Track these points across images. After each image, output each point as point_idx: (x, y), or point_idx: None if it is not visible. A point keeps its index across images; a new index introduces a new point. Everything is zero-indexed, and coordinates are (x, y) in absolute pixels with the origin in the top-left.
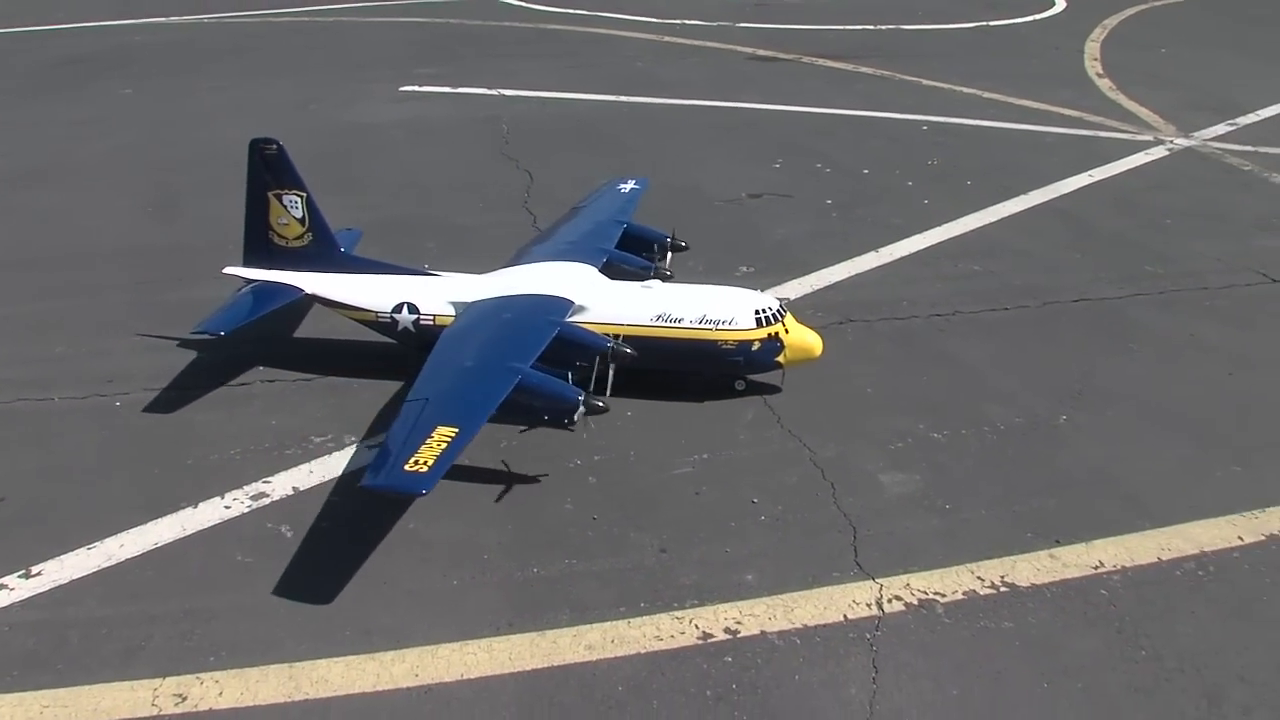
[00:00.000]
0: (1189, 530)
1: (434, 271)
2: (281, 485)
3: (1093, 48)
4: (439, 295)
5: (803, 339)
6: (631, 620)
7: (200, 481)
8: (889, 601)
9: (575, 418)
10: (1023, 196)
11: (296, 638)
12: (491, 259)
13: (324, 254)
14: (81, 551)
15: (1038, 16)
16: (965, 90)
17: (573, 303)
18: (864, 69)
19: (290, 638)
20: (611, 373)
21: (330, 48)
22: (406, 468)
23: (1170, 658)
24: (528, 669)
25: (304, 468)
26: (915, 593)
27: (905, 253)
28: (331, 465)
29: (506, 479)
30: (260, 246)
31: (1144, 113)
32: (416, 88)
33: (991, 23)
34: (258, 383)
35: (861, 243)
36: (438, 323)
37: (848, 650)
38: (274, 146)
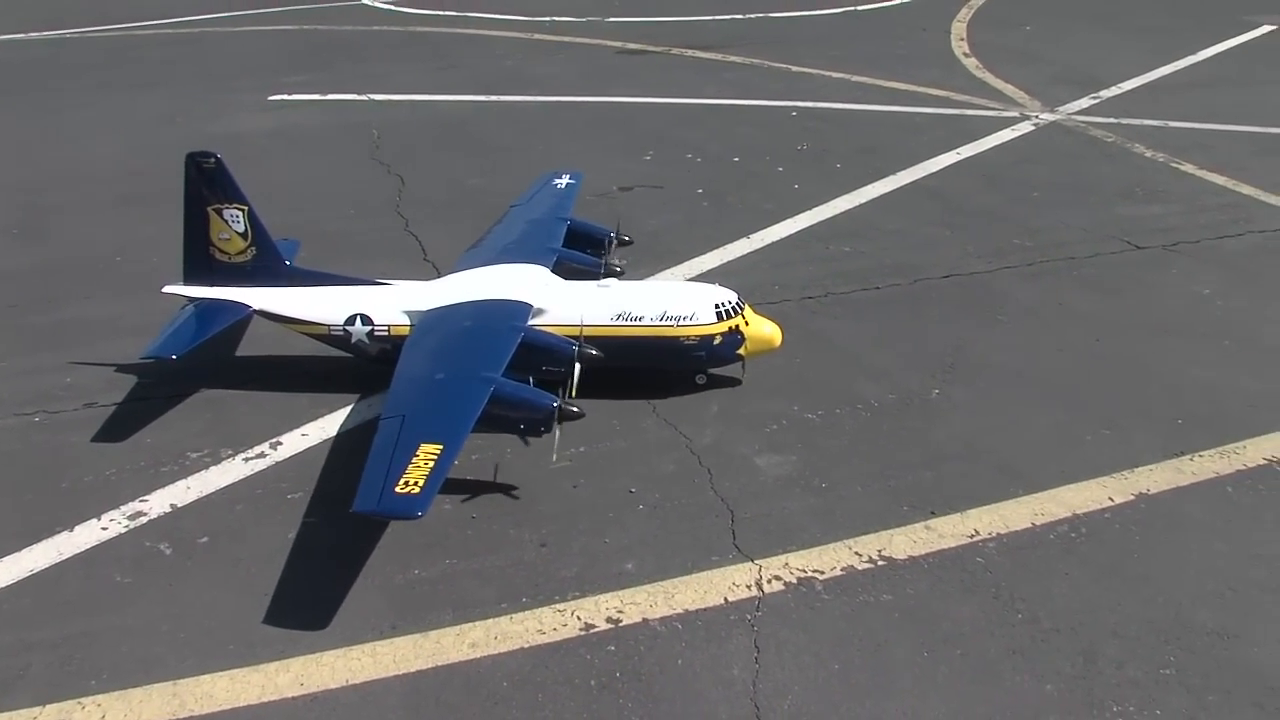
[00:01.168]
0: (1061, 494)
1: (383, 281)
2: (159, 503)
3: (959, 28)
4: (392, 305)
5: (762, 331)
6: (514, 616)
7: (75, 504)
8: (769, 582)
9: (549, 425)
10: (892, 177)
11: (179, 655)
12: (363, 264)
13: (269, 268)
14: None
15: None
16: (834, 74)
17: (531, 306)
18: (732, 58)
19: (173, 655)
20: (577, 375)
21: (197, 59)
22: (398, 490)
23: (1046, 619)
24: (413, 670)
25: (181, 484)
26: (794, 572)
27: (776, 237)
28: (209, 480)
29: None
30: (201, 263)
31: (1010, 89)
32: (286, 96)
33: (860, 7)
34: (131, 401)
35: (733, 230)
36: (393, 333)
37: (729, 632)
38: (212, 160)
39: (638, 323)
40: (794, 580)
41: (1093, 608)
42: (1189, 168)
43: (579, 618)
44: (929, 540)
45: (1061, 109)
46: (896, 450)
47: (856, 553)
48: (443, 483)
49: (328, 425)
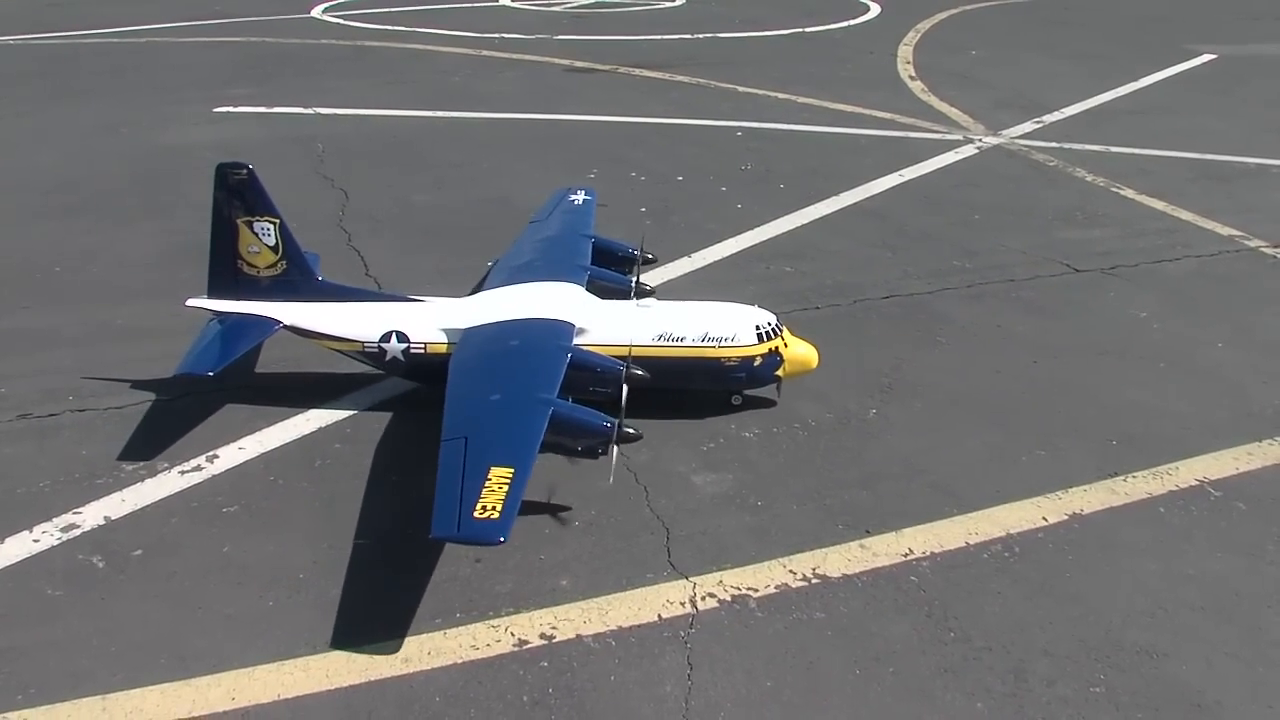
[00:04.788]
0: (995, 514)
1: (415, 297)
2: (93, 515)
3: (906, 51)
4: (428, 322)
5: (799, 353)
6: (448, 631)
7: (7, 516)
8: (702, 599)
9: (606, 447)
10: (835, 198)
11: (110, 669)
12: None
13: (299, 282)
14: None
15: (853, 22)
16: (780, 95)
17: (574, 326)
18: (679, 77)
19: (103, 669)
20: (625, 396)
21: (142, 69)
22: (477, 515)
23: (978, 637)
24: (345, 685)
25: (116, 497)
26: (728, 589)
27: (718, 256)
28: (144, 493)
29: (322, 497)
30: (227, 276)
31: (954, 113)
32: (231, 109)
33: (808, 29)
34: (67, 413)
35: (675, 248)
36: (429, 351)
37: (662, 649)
38: (244, 171)
39: (679, 343)
40: (728, 598)
41: (1024, 626)
42: (1129, 192)
43: (513, 633)
44: (863, 559)
45: (1004, 133)
46: (833, 469)
47: (791, 571)
48: (519, 507)
49: (265, 439)
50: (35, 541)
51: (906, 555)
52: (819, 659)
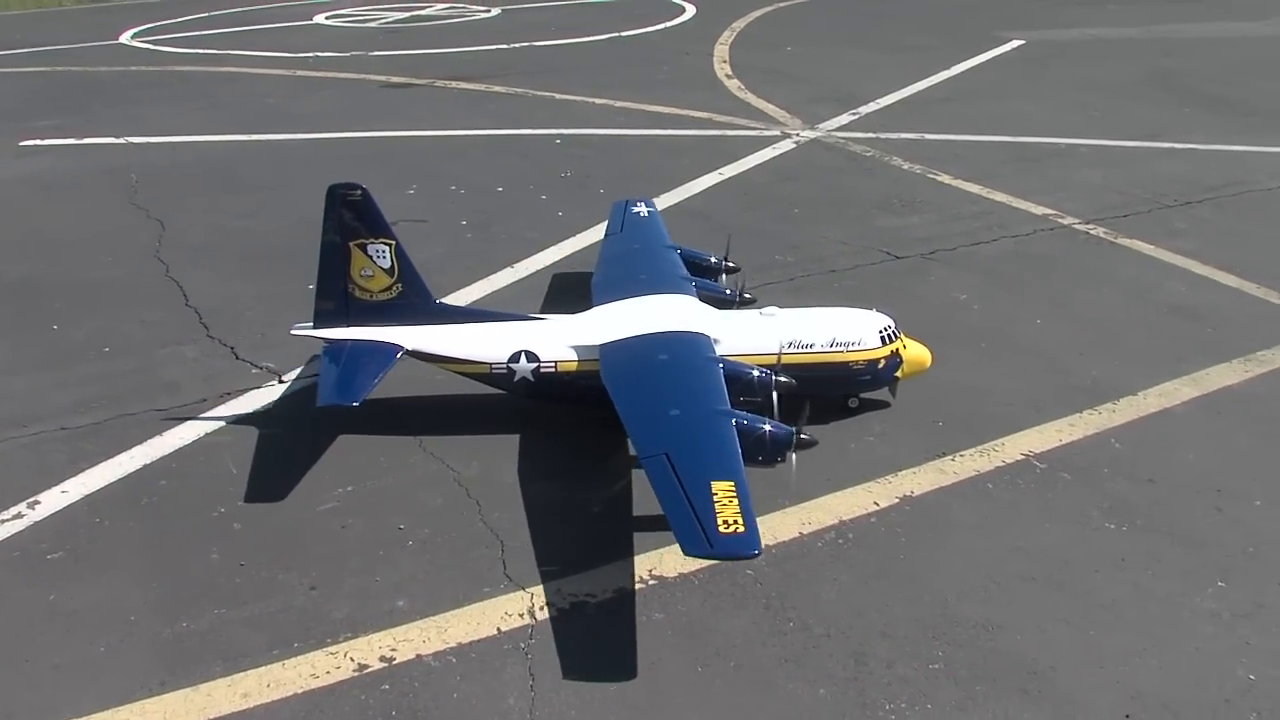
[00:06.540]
0: (827, 502)
1: (536, 315)
2: None
3: (722, 50)
4: (557, 341)
5: (917, 353)
6: (286, 662)
7: None
8: (540, 609)
9: (785, 455)
10: (656, 199)
11: None
12: (122, 312)
13: (416, 305)
14: None
15: (669, 24)
16: (598, 101)
17: (711, 337)
18: (497, 88)
19: None
20: (776, 403)
21: None
22: (723, 531)
23: (817, 625)
24: None
25: None
26: (566, 597)
27: (541, 265)
28: None
29: (150, 536)
30: (337, 301)
31: (771, 109)
32: (38, 141)
33: (624, 33)
34: None
35: (497, 260)
36: (560, 369)
37: (504, 662)
38: (358, 192)
39: (809, 350)
40: (566, 605)
41: (862, 610)
42: (945, 178)
43: (352, 659)
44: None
45: (821, 126)
46: None
47: (627, 574)
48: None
49: (88, 480)
50: None
51: None
52: (661, 659)
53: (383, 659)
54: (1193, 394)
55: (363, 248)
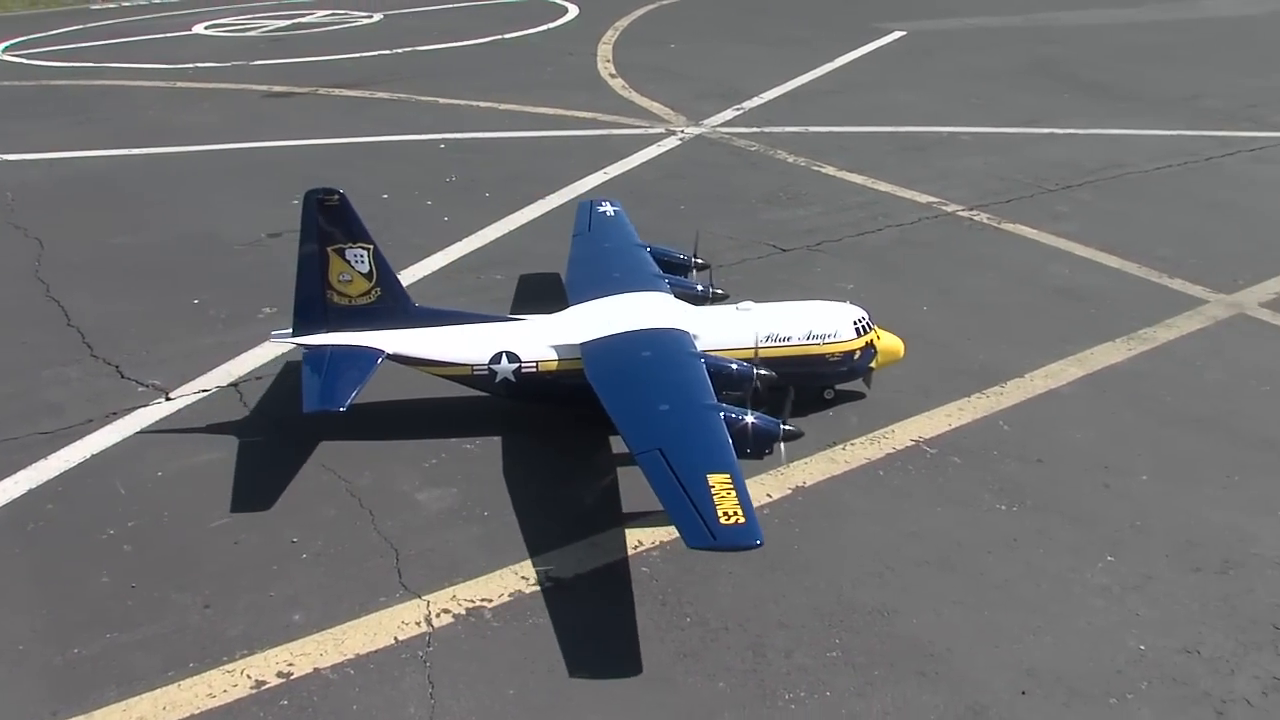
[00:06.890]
0: None
1: (514, 316)
2: None
3: (605, 50)
4: (537, 340)
5: (891, 343)
6: (181, 683)
7: None
8: (438, 616)
9: (773, 447)
10: (541, 201)
11: None
12: (1, 335)
13: (395, 309)
14: None
15: (551, 25)
16: (482, 104)
17: (690, 333)
18: (380, 94)
19: None
20: (754, 395)
21: None
22: (724, 522)
23: (714, 619)
24: None
25: None
26: (462, 603)
27: (427, 271)
28: None
29: (37, 562)
30: (315, 307)
31: (655, 107)
32: None
33: (507, 35)
34: None
35: None
36: (541, 369)
37: (402, 671)
38: (335, 197)
39: (786, 343)
40: (463, 611)
41: (759, 602)
42: (830, 170)
43: (249, 676)
44: (594, 556)
45: (706, 122)
46: (554, 473)
47: (523, 577)
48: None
49: None
50: None
51: (636, 547)
52: (560, 661)
53: (280, 674)
54: (1078, 374)
55: (340, 253)
